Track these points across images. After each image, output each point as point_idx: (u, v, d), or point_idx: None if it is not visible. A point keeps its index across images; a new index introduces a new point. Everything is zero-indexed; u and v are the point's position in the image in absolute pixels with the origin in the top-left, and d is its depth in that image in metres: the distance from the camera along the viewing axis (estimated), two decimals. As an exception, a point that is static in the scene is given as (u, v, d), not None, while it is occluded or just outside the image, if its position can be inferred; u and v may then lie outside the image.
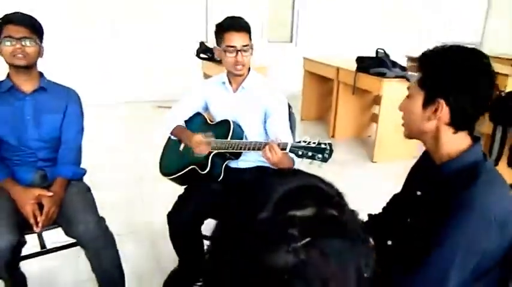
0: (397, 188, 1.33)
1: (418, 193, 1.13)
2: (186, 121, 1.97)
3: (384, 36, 6.36)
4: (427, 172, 1.13)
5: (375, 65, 3.69)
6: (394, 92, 3.57)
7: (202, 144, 1.76)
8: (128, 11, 5.42)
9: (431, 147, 1.08)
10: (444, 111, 0.99)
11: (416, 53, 1.15)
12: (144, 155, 3.53)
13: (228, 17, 1.78)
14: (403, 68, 3.72)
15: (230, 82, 1.89)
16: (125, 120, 4.97)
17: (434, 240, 0.97)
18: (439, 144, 1.04)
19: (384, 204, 1.36)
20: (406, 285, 0.99)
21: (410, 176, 1.25)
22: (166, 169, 1.98)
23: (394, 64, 3.68)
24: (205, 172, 1.78)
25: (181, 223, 1.73)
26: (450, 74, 0.97)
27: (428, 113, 1.02)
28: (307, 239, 0.46)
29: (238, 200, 0.56)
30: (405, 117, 1.09)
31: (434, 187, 1.06)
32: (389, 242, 1.19)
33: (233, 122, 1.81)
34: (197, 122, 1.97)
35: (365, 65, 3.79)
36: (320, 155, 1.45)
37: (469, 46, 1.01)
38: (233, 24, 1.74)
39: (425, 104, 1.01)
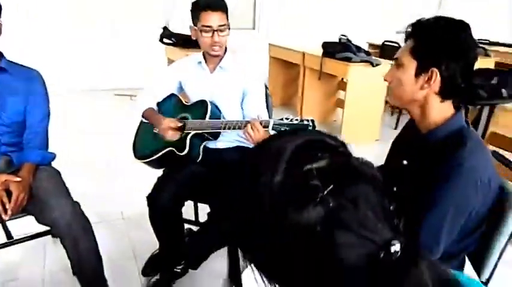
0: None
1: (404, 162, 1.16)
2: (159, 103, 1.91)
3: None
4: (412, 142, 1.16)
5: (340, 50, 3.76)
6: (359, 76, 3.67)
7: (171, 129, 1.69)
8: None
9: (417, 116, 1.11)
10: (437, 80, 1.02)
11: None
12: (112, 142, 3.43)
13: None
14: (368, 53, 3.82)
15: (206, 62, 1.85)
16: (88, 107, 4.80)
17: (424, 204, 1.01)
18: (427, 113, 1.08)
19: None
20: None
21: (394, 147, 1.29)
22: (141, 153, 1.91)
23: (359, 49, 3.77)
24: (183, 153, 1.73)
25: (161, 205, 1.68)
26: (444, 43, 1.00)
27: (420, 82, 1.04)
28: (331, 187, 0.46)
29: (246, 173, 0.55)
30: (394, 86, 1.10)
31: (420, 155, 1.10)
32: None
33: (210, 102, 1.77)
34: (171, 103, 1.91)
35: (331, 50, 3.84)
36: None
37: None
38: (209, 3, 1.69)
39: (418, 73, 1.03)
